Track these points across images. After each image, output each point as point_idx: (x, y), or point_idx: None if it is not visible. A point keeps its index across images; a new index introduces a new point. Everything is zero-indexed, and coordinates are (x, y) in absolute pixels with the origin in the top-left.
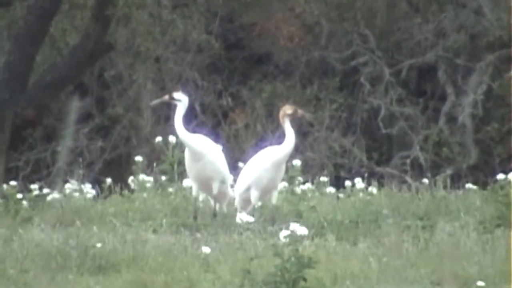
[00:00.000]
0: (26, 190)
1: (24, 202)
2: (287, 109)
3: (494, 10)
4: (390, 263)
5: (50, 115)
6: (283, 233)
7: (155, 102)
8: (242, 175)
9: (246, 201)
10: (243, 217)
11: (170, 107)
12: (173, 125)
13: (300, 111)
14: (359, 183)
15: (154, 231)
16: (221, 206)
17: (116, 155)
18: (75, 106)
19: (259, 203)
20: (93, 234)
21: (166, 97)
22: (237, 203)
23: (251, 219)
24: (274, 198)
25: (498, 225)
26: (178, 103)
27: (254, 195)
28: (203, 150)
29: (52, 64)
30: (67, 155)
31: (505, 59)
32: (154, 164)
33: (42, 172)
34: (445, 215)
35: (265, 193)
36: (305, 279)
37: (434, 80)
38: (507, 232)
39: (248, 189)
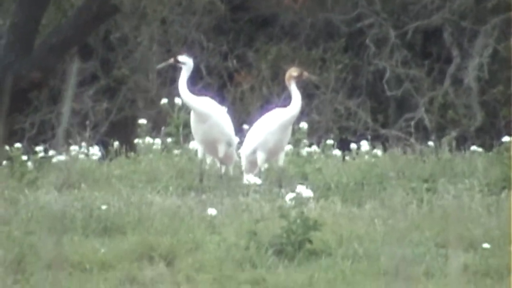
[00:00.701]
0: (31, 152)
1: (29, 164)
2: (293, 71)
3: None
4: (395, 225)
5: (55, 77)
6: (289, 196)
7: (161, 65)
8: (248, 138)
9: (252, 164)
10: (250, 178)
11: (176, 69)
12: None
13: (306, 73)
14: (364, 145)
15: (160, 193)
16: (227, 168)
17: (122, 117)
18: (76, 68)
19: (266, 165)
20: (99, 196)
21: (171, 60)
22: (243, 165)
23: (258, 181)
24: (281, 160)
25: (503, 187)
26: (183, 66)
27: (260, 157)
28: (208, 111)
29: (57, 26)
30: (72, 116)
31: (511, 22)
32: (161, 128)
33: (47, 134)
34: (450, 178)
35: (271, 155)
36: (310, 241)
37: (440, 43)
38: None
39: (254, 152)
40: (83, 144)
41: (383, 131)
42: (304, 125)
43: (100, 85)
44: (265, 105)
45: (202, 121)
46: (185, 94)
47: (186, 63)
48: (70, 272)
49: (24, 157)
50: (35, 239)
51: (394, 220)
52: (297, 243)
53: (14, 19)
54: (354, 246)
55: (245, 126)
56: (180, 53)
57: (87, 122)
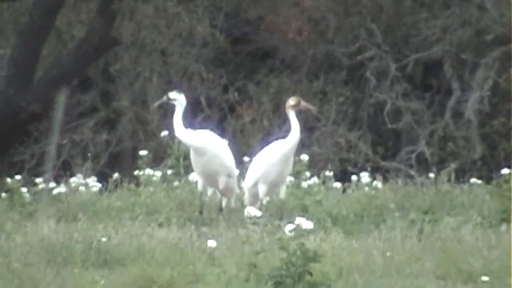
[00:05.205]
0: (31, 183)
1: (29, 196)
2: (291, 100)
3: (496, 6)
4: (395, 257)
5: (55, 109)
6: (289, 227)
7: (156, 104)
8: (250, 170)
9: (254, 196)
10: (251, 211)
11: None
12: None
13: (303, 103)
14: (364, 177)
15: (160, 225)
16: (229, 200)
17: (121, 148)
18: (62, 100)
19: (268, 198)
20: (98, 228)
21: (165, 98)
22: (245, 198)
23: (258, 213)
24: (282, 192)
25: (503, 220)
26: (175, 103)
27: (262, 189)
28: (205, 145)
29: (57, 58)
30: (72, 148)
31: (511, 55)
32: (161, 159)
33: (47, 165)
34: (450, 210)
35: (273, 187)
36: (310, 273)
37: (440, 75)
38: (511, 226)
39: (256, 184)
40: (81, 175)
41: (383, 163)
42: (305, 157)
43: (100, 117)
44: (266, 137)
45: (200, 154)
46: (180, 132)
47: (177, 99)
48: None
49: (24, 189)
50: (34, 271)
51: (393, 252)
52: (297, 275)
53: (14, 52)
54: (354, 278)
55: (246, 158)
56: (176, 89)
57: (88, 154)
